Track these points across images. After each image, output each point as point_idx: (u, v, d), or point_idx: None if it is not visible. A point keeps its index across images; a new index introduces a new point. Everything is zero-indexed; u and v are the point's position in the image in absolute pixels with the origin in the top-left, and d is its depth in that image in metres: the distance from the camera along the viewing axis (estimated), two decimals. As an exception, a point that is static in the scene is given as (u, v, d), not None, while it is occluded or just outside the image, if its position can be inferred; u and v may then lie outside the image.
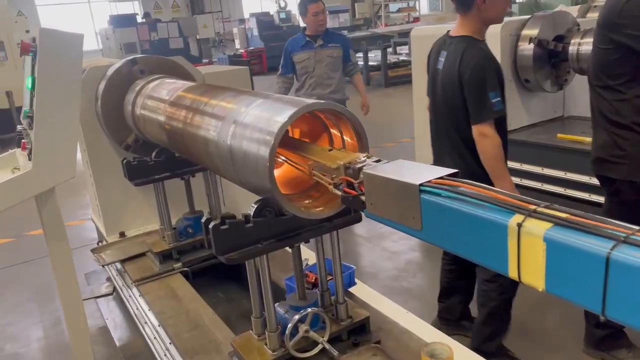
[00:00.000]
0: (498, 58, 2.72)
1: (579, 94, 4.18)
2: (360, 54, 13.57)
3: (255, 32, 19.61)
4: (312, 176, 1.57)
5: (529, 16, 4.01)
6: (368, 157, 1.40)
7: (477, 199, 1.03)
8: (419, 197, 1.12)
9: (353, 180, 1.36)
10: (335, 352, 1.88)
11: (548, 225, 0.89)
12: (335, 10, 19.55)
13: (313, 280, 2.31)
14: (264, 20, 19.79)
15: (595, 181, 2.94)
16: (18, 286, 4.58)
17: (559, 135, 3.83)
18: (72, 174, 2.39)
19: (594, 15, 4.80)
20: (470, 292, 3.18)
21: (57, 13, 21.89)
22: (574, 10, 4.86)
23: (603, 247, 0.81)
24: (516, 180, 3.34)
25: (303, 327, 1.87)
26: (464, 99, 2.58)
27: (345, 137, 1.71)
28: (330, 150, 1.59)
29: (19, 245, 5.47)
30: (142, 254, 3.10)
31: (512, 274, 0.96)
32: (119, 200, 3.37)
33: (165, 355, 2.28)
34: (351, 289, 2.41)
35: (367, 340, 2.01)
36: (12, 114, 8.70)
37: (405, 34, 13.07)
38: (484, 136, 2.54)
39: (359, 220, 1.82)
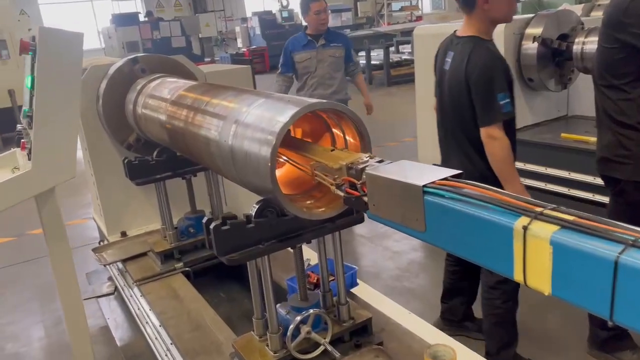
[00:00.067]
0: (501, 57, 2.69)
1: (583, 93, 4.16)
2: (363, 53, 13.56)
3: (258, 31, 19.62)
4: (314, 177, 1.55)
5: (532, 15, 3.98)
6: (371, 158, 1.38)
7: (481, 201, 1.01)
8: (423, 198, 1.11)
9: (355, 181, 1.35)
10: (337, 354, 1.86)
11: (554, 228, 0.87)
12: (337, 9, 19.56)
13: (315, 281, 2.29)
14: (266, 19, 19.80)
15: (599, 181, 2.92)
16: (19, 285, 4.57)
17: (562, 134, 3.80)
18: (72, 174, 2.38)
19: (598, 14, 4.78)
20: (473, 293, 3.17)
21: (60, 12, 21.92)
22: (577, 9, 4.85)
23: (611, 250, 0.79)
24: (519, 179, 3.32)
25: (305, 329, 1.86)
26: (471, 100, 2.54)
27: (347, 137, 1.69)
28: (332, 150, 1.57)
29: (21, 244, 5.47)
30: (144, 254, 3.09)
31: (518, 277, 0.95)
32: (120, 200, 3.36)
33: (166, 355, 2.27)
34: (353, 290, 2.40)
35: (370, 341, 1.99)
36: (15, 113, 8.71)
37: (408, 32, 13.05)
38: (492, 139, 2.49)
39: (362, 220, 1.80)
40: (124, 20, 17.85)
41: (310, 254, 2.56)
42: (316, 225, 1.78)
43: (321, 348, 1.88)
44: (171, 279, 2.82)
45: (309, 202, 1.70)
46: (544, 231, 0.88)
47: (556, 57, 3.89)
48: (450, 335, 2.25)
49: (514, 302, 2.76)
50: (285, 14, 19.98)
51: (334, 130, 1.73)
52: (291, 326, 1.84)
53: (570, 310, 3.11)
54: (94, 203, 3.83)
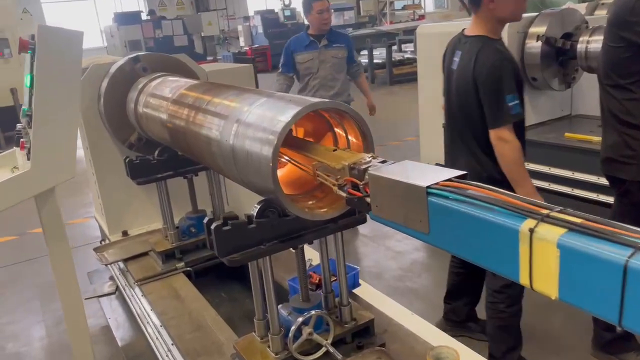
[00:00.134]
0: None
1: (587, 93, 4.14)
2: (365, 52, 13.54)
3: (260, 30, 19.61)
4: (316, 177, 1.53)
5: (536, 13, 3.96)
6: (373, 158, 1.36)
7: (486, 202, 0.99)
8: (427, 199, 1.09)
9: (358, 182, 1.33)
10: (339, 356, 1.84)
11: (562, 230, 0.86)
12: (340, 7, 19.54)
13: (317, 281, 2.28)
14: (268, 17, 19.79)
15: (603, 181, 2.90)
16: (21, 284, 4.57)
17: (566, 134, 3.78)
18: (72, 174, 2.36)
19: (602, 13, 4.77)
20: (477, 295, 3.15)
21: (63, 10, 21.94)
22: (581, 8, 4.82)
23: (620, 254, 0.77)
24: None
25: (306, 330, 1.84)
26: (479, 100, 2.49)
27: (350, 137, 1.67)
28: (334, 150, 1.56)
29: (22, 243, 5.46)
30: (145, 253, 3.07)
31: (524, 281, 0.93)
32: (121, 199, 3.34)
33: (167, 356, 2.26)
34: (355, 290, 2.38)
35: (372, 343, 1.97)
36: (17, 111, 8.69)
37: (411, 31, 13.06)
38: (502, 141, 2.45)
39: (364, 221, 1.78)
40: (127, 18, 17.86)
41: (312, 254, 2.55)
42: (318, 226, 1.76)
43: (323, 349, 1.86)
44: (172, 278, 2.81)
45: (310, 202, 1.68)
46: (551, 234, 0.86)
47: (560, 56, 3.86)
48: (453, 336, 2.23)
49: (518, 306, 2.74)
50: (287, 13, 19.96)
51: (336, 129, 1.71)
52: (293, 327, 1.82)
53: (574, 311, 3.09)
54: (95, 202, 3.82)
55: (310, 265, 2.44)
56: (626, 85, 2.39)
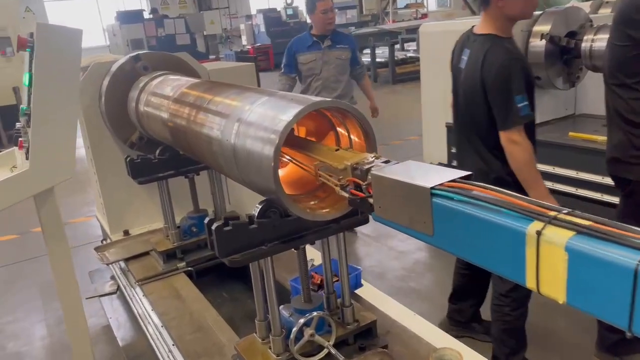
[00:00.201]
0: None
1: (591, 92, 4.11)
2: (368, 51, 13.52)
3: (262, 29, 19.61)
4: (318, 177, 1.51)
5: (540, 12, 3.93)
6: (376, 158, 1.34)
7: (492, 204, 0.97)
8: (431, 200, 1.07)
9: (361, 182, 1.31)
10: (341, 357, 1.82)
11: (570, 233, 0.83)
12: (342, 6, 19.51)
13: (319, 282, 2.26)
14: (271, 16, 19.78)
15: (607, 181, 2.87)
16: (22, 283, 4.56)
17: (570, 133, 3.75)
18: (71, 174, 2.33)
19: (606, 11, 4.73)
20: (482, 296, 3.12)
21: (65, 9, 21.95)
22: (586, 6, 4.78)
23: (631, 258, 0.75)
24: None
25: (308, 331, 1.82)
26: (486, 100, 2.45)
27: (352, 136, 1.65)
28: (337, 150, 1.54)
29: (24, 241, 5.45)
30: (146, 253, 3.06)
31: (530, 284, 0.91)
32: (123, 199, 3.33)
33: (168, 356, 2.24)
34: (358, 291, 2.36)
35: (374, 344, 1.95)
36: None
37: (413, 30, 13.00)
38: (513, 143, 2.40)
39: (366, 221, 1.76)
40: (129, 17, 17.83)
41: (314, 254, 2.53)
42: (320, 226, 1.74)
43: (325, 351, 1.84)
44: (173, 278, 2.79)
45: (312, 202, 1.66)
46: (558, 237, 0.84)
47: (564, 55, 3.83)
48: (457, 336, 2.22)
49: (524, 310, 2.71)
50: (290, 12, 19.94)
51: (339, 129, 1.69)
52: (294, 329, 1.80)
53: (578, 312, 3.07)
54: (96, 201, 3.80)
55: (312, 265, 2.42)
56: (632, 85, 2.36)
